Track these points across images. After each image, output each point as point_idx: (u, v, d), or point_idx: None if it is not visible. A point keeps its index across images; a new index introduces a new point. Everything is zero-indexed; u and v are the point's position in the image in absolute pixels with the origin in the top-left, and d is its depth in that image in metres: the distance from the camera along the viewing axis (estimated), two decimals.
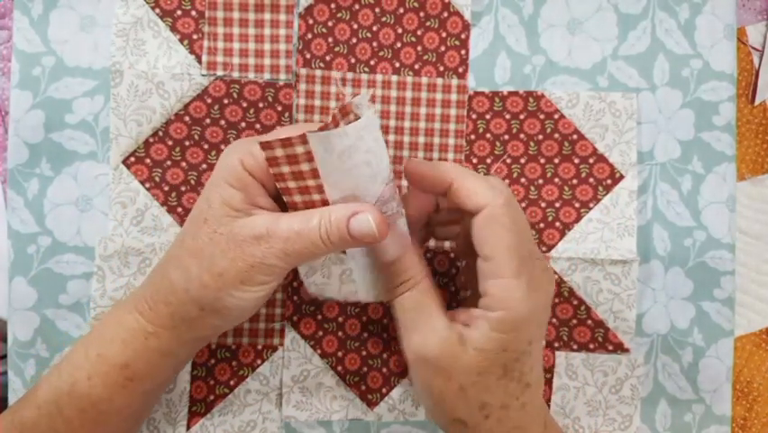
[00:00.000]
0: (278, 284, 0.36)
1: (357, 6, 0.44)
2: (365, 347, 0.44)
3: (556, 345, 0.45)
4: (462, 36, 0.45)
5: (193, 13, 0.43)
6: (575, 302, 0.44)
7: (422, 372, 0.35)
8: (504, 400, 0.35)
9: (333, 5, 0.44)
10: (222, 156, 0.35)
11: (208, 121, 0.43)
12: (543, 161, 0.45)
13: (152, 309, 0.35)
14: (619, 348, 0.45)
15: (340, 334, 0.44)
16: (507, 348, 0.34)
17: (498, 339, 0.34)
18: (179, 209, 0.44)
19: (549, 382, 0.45)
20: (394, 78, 0.44)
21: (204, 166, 0.44)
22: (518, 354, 0.34)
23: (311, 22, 0.44)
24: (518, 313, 0.34)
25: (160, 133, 0.43)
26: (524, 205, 0.45)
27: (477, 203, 0.34)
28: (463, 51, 0.45)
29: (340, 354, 0.44)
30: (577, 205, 0.45)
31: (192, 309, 0.35)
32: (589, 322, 0.44)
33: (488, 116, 0.45)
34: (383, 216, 0.34)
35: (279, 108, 0.44)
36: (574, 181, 0.45)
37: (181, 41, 0.43)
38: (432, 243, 0.44)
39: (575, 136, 0.44)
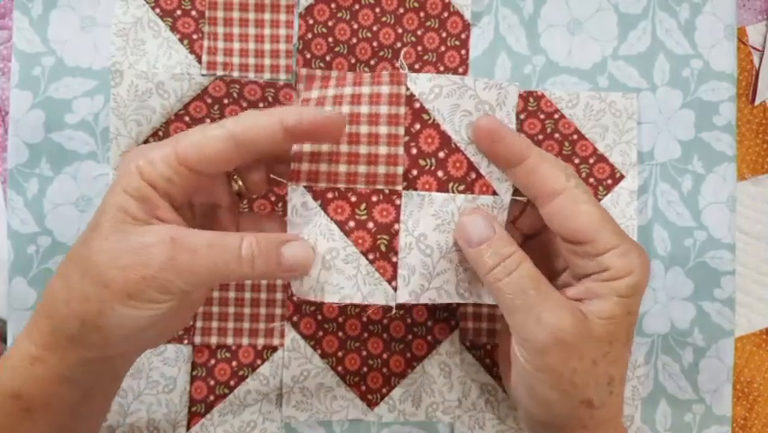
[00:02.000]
0: (172, 310, 0.30)
1: (357, 6, 0.44)
2: (365, 348, 0.44)
3: None
4: (463, 36, 0.45)
5: (193, 12, 0.43)
6: None
7: (557, 355, 0.32)
8: (623, 371, 0.34)
9: (333, 5, 0.44)
10: (121, 162, 0.33)
11: (208, 121, 0.43)
12: None
13: (35, 325, 0.31)
14: None
15: (340, 334, 0.44)
16: (631, 310, 0.33)
17: (624, 303, 0.32)
18: None
19: None
20: None
21: None
22: (636, 315, 0.34)
23: (311, 22, 0.44)
24: (642, 275, 0.33)
25: (160, 134, 0.43)
26: None
27: (553, 188, 0.32)
28: (463, 51, 0.45)
29: (340, 354, 0.44)
30: None
31: (73, 325, 0.29)
32: None
33: None
34: (311, 249, 0.32)
35: None
36: None
37: (181, 40, 0.43)
38: None
39: (575, 136, 0.44)
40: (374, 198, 0.33)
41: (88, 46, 0.43)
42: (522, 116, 0.45)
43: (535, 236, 0.38)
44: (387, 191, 0.33)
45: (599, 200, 0.44)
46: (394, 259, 0.33)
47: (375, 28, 0.44)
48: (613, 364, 0.33)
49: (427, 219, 0.33)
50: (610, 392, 0.33)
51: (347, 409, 0.44)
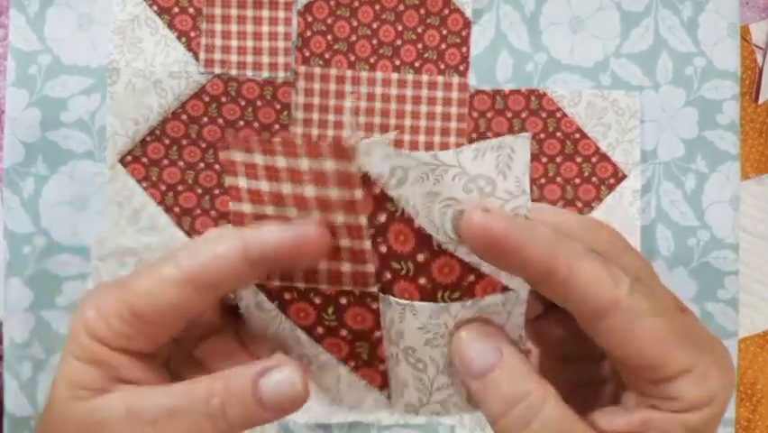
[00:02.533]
0: None
1: (357, 3, 0.44)
2: None
3: None
4: (463, 33, 0.44)
5: (190, 10, 0.43)
6: None
7: None
8: None
9: (332, 2, 0.44)
10: (75, 312, 0.26)
11: (206, 119, 0.43)
12: (545, 160, 0.44)
13: None
14: None
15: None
16: None
17: None
18: (176, 209, 0.43)
19: None
20: (394, 75, 0.44)
21: (201, 165, 0.43)
22: None
23: (310, 19, 0.43)
24: (724, 402, 0.24)
25: (157, 132, 0.43)
26: None
27: (601, 305, 0.22)
28: (464, 49, 0.44)
29: None
30: (579, 204, 0.44)
31: None
32: None
33: (489, 115, 0.44)
34: (305, 369, 0.25)
35: (278, 106, 0.43)
36: (577, 181, 0.44)
37: (179, 38, 0.43)
38: None
39: (577, 135, 0.44)
40: (343, 301, 0.25)
41: (85, 44, 0.43)
42: (524, 115, 0.44)
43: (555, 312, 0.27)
44: (358, 292, 0.25)
45: (602, 200, 0.44)
46: (381, 367, 0.26)
47: (375, 25, 0.44)
48: None
49: (413, 333, 0.25)
50: None
51: (346, 411, 0.44)
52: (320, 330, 0.26)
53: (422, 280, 0.24)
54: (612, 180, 0.44)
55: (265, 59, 0.43)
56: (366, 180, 0.23)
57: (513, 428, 0.23)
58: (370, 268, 0.24)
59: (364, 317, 0.25)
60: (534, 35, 0.45)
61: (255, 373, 0.24)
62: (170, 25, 0.43)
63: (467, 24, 0.44)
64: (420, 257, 0.24)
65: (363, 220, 0.23)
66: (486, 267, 0.24)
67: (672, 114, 0.45)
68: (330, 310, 0.25)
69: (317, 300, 0.25)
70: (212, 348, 0.27)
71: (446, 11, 0.44)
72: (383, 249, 0.24)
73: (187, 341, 0.27)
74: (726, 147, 0.45)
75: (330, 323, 0.25)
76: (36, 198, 0.43)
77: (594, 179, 0.44)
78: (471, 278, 0.24)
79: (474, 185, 0.24)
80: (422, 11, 0.44)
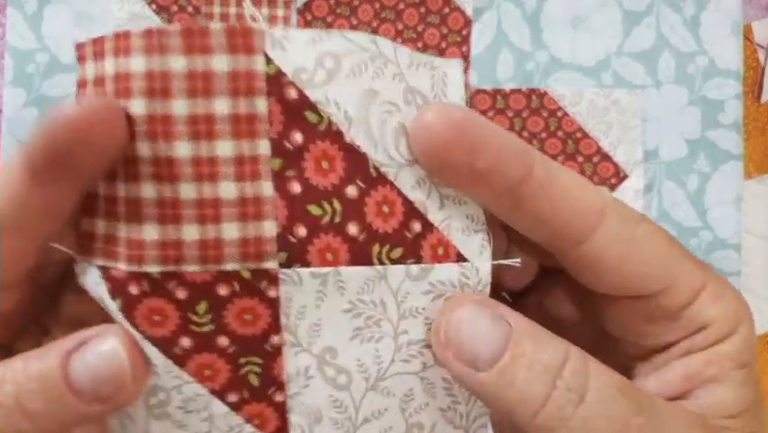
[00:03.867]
0: None
1: (356, 2, 0.43)
2: None
3: None
4: (464, 32, 0.44)
5: (189, 8, 0.43)
6: None
7: None
8: None
9: (332, 1, 0.43)
10: None
11: None
12: None
13: None
14: None
15: None
16: (757, 387, 0.20)
17: (750, 378, 0.19)
18: None
19: None
20: None
21: None
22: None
23: (309, 17, 0.43)
24: (749, 323, 0.20)
25: None
26: None
27: (590, 212, 0.18)
28: (465, 48, 0.44)
29: None
30: None
31: None
32: None
33: (490, 114, 0.44)
34: (134, 340, 0.18)
35: None
36: None
37: None
38: None
39: (579, 134, 0.44)
40: (222, 291, 0.17)
41: None
42: (525, 114, 0.44)
43: (530, 293, 0.23)
44: (248, 274, 0.17)
45: None
46: (278, 398, 0.18)
47: (375, 24, 0.44)
48: None
49: (335, 321, 0.18)
50: None
51: None
52: (185, 343, 0.17)
53: (352, 229, 0.17)
54: (614, 180, 0.44)
55: None
56: (276, 81, 0.17)
57: (563, 411, 0.17)
58: (270, 227, 0.17)
59: (256, 313, 0.17)
60: (536, 34, 0.44)
61: (65, 350, 0.17)
62: (169, 23, 0.43)
63: (467, 23, 0.44)
64: (351, 190, 0.17)
65: (264, 147, 0.17)
66: (433, 212, 0.18)
67: (675, 113, 0.45)
68: (202, 308, 0.17)
69: (181, 294, 0.17)
70: (59, 316, 0.21)
71: (446, 9, 0.44)
72: (295, 188, 0.17)
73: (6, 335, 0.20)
74: (729, 147, 0.45)
75: (201, 328, 0.17)
76: None
77: (596, 178, 0.44)
78: (417, 227, 0.18)
79: (413, 97, 0.18)
80: (422, 9, 0.44)
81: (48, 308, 0.21)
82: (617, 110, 0.44)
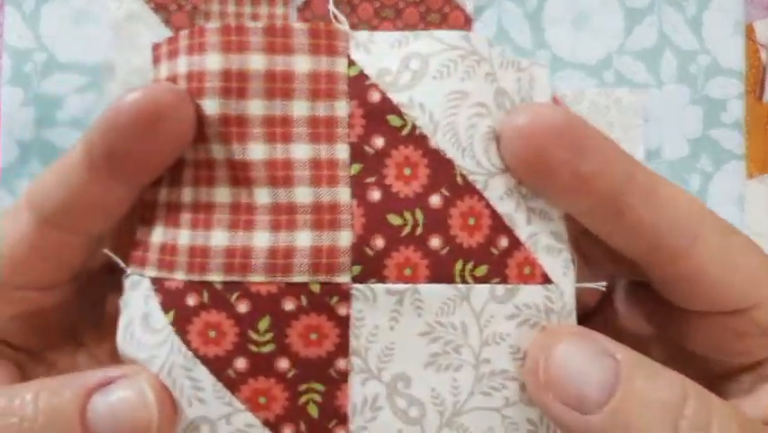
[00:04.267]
0: None
1: (356, 0, 0.43)
2: None
3: None
4: (464, 31, 0.44)
5: (187, 7, 0.43)
6: None
7: None
8: None
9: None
10: None
11: None
12: None
13: None
14: None
15: None
16: None
17: None
18: None
19: None
20: None
21: None
22: None
23: (309, 16, 0.43)
24: None
25: None
26: None
27: (690, 227, 0.17)
28: None
29: None
30: None
31: None
32: None
33: None
34: (163, 384, 0.16)
35: None
36: None
37: None
38: None
39: None
40: (288, 306, 0.16)
41: (81, 41, 0.42)
42: None
43: (596, 311, 0.21)
44: (317, 288, 0.16)
45: None
46: (339, 431, 0.17)
47: (374, 22, 0.43)
48: None
49: (411, 345, 0.16)
50: None
51: None
52: (240, 365, 0.16)
53: (434, 242, 0.16)
54: None
55: None
56: (358, 84, 0.16)
57: None
58: (345, 237, 0.16)
59: (323, 333, 0.16)
60: (537, 32, 0.44)
61: (86, 387, 0.16)
62: (167, 22, 0.43)
63: (468, 21, 0.44)
64: (435, 199, 0.16)
65: (343, 152, 0.16)
66: (521, 228, 0.17)
67: (676, 112, 0.44)
68: (264, 324, 0.16)
69: (243, 307, 0.16)
70: (98, 332, 0.20)
71: (447, 8, 0.44)
72: (374, 195, 0.16)
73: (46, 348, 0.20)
74: (731, 146, 0.44)
75: (261, 348, 0.16)
76: None
77: None
78: (504, 243, 0.16)
79: (503, 101, 0.17)
80: (422, 8, 0.44)
81: (86, 321, 0.20)
82: (619, 109, 0.44)
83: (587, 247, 0.18)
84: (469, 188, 0.16)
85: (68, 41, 0.42)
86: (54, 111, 0.42)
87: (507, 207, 0.16)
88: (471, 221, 0.16)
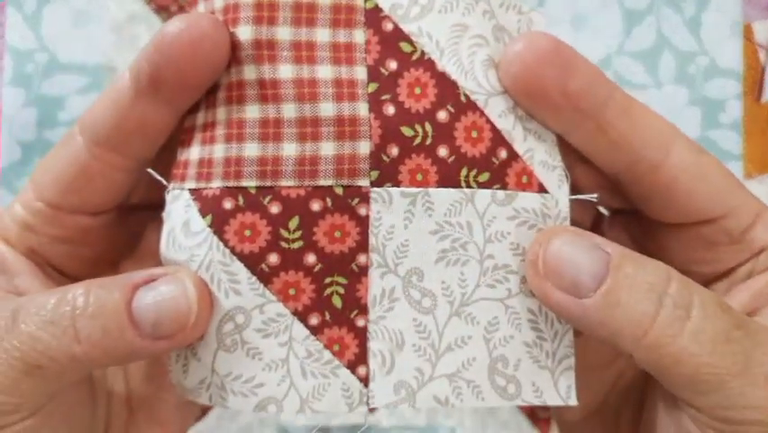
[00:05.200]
0: (43, 424, 0.19)
1: None
2: None
3: None
4: None
5: (188, 8, 0.43)
6: None
7: None
8: None
9: None
10: None
11: None
12: None
13: None
14: None
15: None
16: None
17: None
18: None
19: None
20: None
21: None
22: None
23: None
24: None
25: None
26: None
27: (664, 139, 0.20)
28: None
29: None
30: None
31: None
32: None
33: None
34: (201, 279, 0.18)
35: None
36: None
37: None
38: None
39: None
40: (315, 206, 0.18)
41: (82, 42, 0.42)
42: None
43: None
44: (341, 190, 0.18)
45: None
46: (360, 322, 0.18)
47: None
48: None
49: (423, 243, 0.18)
50: None
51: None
52: (272, 260, 0.18)
53: (442, 151, 0.18)
54: None
55: None
56: (373, 16, 0.18)
57: (672, 327, 0.17)
58: (364, 146, 0.18)
59: (345, 231, 0.18)
60: None
61: (132, 283, 0.18)
62: None
63: None
64: (442, 114, 0.18)
65: (361, 73, 0.18)
66: (519, 142, 0.19)
67: (675, 113, 0.44)
68: (293, 223, 0.18)
69: (274, 209, 0.18)
70: (137, 264, 0.22)
71: None
72: (389, 110, 0.18)
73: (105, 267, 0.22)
74: (729, 146, 0.44)
75: (291, 245, 0.18)
76: None
77: None
78: (503, 154, 0.19)
79: (501, 34, 0.19)
80: None
81: (124, 252, 0.22)
82: None
83: (580, 176, 0.20)
84: (471, 106, 0.18)
85: (69, 42, 0.42)
86: (56, 112, 0.42)
87: (505, 124, 0.19)
88: (474, 134, 0.18)
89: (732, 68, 0.45)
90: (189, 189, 0.18)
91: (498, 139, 0.19)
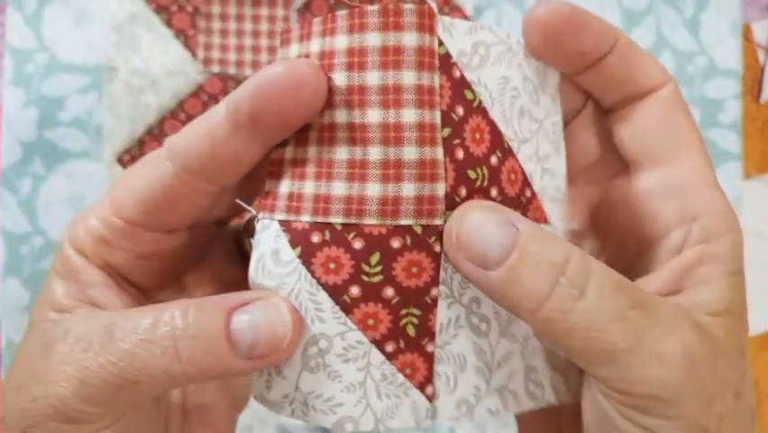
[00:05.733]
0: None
1: (356, 1, 0.43)
2: None
3: None
4: None
5: (188, 8, 0.43)
6: None
7: (697, 399, 0.19)
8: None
9: (331, 0, 0.43)
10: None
11: None
12: None
13: None
14: None
15: None
16: (744, 294, 0.22)
17: (738, 284, 0.21)
18: None
19: None
20: None
21: None
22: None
23: (309, 17, 0.43)
24: (739, 235, 0.21)
25: (155, 131, 0.42)
26: None
27: (654, 78, 0.21)
28: None
29: None
30: None
31: None
32: None
33: None
34: (295, 308, 0.19)
35: None
36: None
37: (176, 36, 0.43)
38: None
39: None
40: (395, 244, 0.19)
41: (82, 42, 0.42)
42: None
43: None
44: (420, 229, 0.19)
45: None
46: (429, 348, 0.20)
47: None
48: (750, 389, 0.21)
49: None
50: None
51: None
52: (354, 292, 0.19)
53: (493, 192, 0.20)
54: None
55: (263, 58, 0.43)
56: (445, 61, 0.19)
57: (565, 304, 0.18)
58: (440, 187, 0.19)
59: (422, 267, 0.19)
60: None
61: (229, 306, 0.19)
62: (168, 23, 0.43)
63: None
64: (493, 159, 0.20)
65: (438, 117, 0.19)
66: (537, 181, 0.21)
67: None
68: (375, 259, 0.19)
69: (358, 244, 0.19)
70: (199, 278, 0.23)
71: (446, 8, 0.44)
72: (459, 154, 0.19)
73: (189, 285, 0.23)
74: (728, 146, 0.45)
75: (372, 279, 0.19)
76: (33, 198, 0.42)
77: None
78: (528, 193, 0.21)
79: (527, 86, 0.21)
80: None
81: (190, 267, 0.23)
82: None
83: (575, 81, 0.23)
84: (511, 152, 0.20)
85: (69, 42, 0.42)
86: (56, 111, 0.42)
87: (529, 168, 0.21)
88: (512, 177, 0.20)
89: (731, 68, 0.45)
90: (279, 221, 0.20)
91: (525, 180, 0.21)
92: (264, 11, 0.43)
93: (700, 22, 0.45)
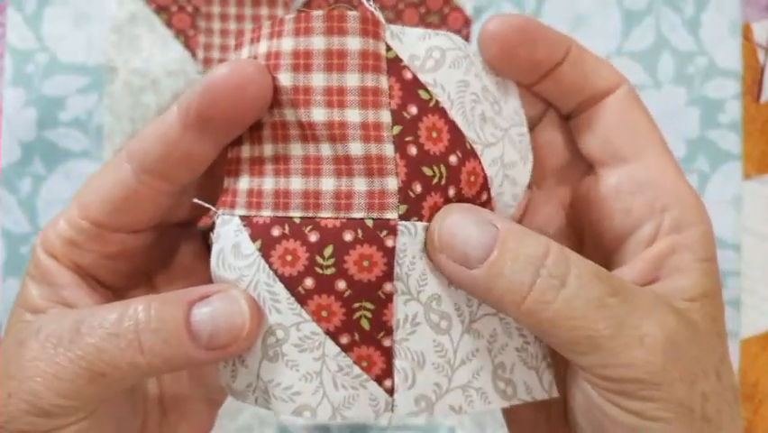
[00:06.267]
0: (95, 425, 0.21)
1: (355, 2, 0.43)
2: None
3: None
4: (464, 32, 0.44)
5: (188, 8, 0.43)
6: None
7: (682, 381, 0.19)
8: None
9: (330, 0, 0.43)
10: None
11: None
12: None
13: None
14: None
15: None
16: (719, 280, 0.22)
17: (712, 270, 0.21)
18: None
19: None
20: None
21: None
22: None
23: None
24: (709, 225, 0.22)
25: None
26: None
27: (609, 81, 0.22)
28: None
29: None
30: None
31: None
32: None
33: None
34: (254, 300, 0.20)
35: None
36: None
37: (176, 36, 0.43)
38: None
39: None
40: (347, 237, 0.19)
41: (82, 42, 0.42)
42: None
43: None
44: (371, 223, 0.19)
45: None
46: (386, 342, 0.20)
47: None
48: (730, 369, 0.21)
49: (438, 272, 0.20)
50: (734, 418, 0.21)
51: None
52: (308, 284, 0.19)
53: (450, 191, 0.20)
54: None
55: None
56: (394, 64, 0.20)
57: (547, 296, 0.18)
58: (391, 182, 0.19)
59: (373, 261, 0.19)
60: None
61: (189, 299, 0.20)
62: (168, 23, 0.43)
63: (467, 22, 0.44)
64: (453, 158, 0.20)
65: (386, 116, 0.19)
66: (495, 187, 0.21)
67: (674, 113, 0.44)
68: (328, 251, 0.19)
69: (313, 237, 0.19)
70: (169, 277, 0.24)
71: (446, 9, 0.44)
72: (412, 150, 0.20)
73: (158, 282, 0.24)
74: (728, 147, 0.45)
75: (325, 271, 0.19)
76: (33, 198, 0.42)
77: None
78: (485, 197, 0.21)
79: (488, 96, 0.21)
80: (422, 9, 0.44)
81: (160, 267, 0.24)
82: None
83: (536, 90, 0.23)
84: (473, 153, 0.21)
85: (69, 42, 0.42)
86: (56, 112, 0.42)
87: (492, 171, 0.21)
88: (473, 178, 0.21)
89: (731, 68, 0.45)
90: (240, 216, 0.20)
91: (485, 184, 0.21)
92: (264, 11, 0.43)
93: (700, 22, 0.45)
